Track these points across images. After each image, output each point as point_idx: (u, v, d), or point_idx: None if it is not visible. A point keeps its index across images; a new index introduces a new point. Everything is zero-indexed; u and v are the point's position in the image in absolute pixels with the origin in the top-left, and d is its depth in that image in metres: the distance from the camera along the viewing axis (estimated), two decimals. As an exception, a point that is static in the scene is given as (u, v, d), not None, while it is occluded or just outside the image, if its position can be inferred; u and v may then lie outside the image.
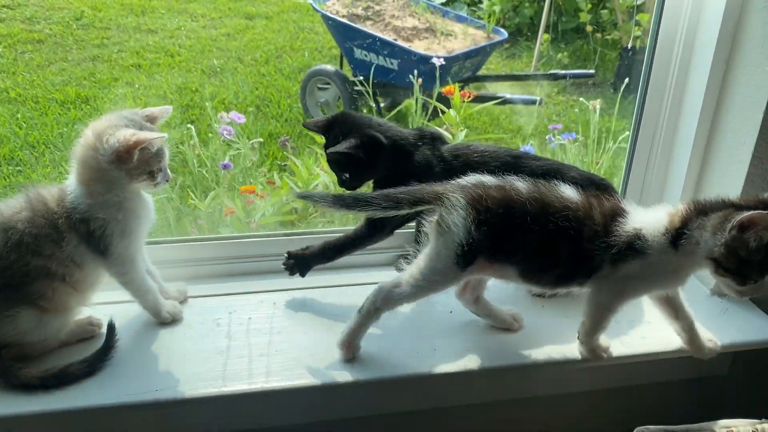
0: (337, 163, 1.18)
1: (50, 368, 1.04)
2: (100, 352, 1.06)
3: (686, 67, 1.31)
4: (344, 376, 1.06)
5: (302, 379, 1.06)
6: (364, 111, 3.78)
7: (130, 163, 1.03)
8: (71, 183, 1.06)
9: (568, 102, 4.22)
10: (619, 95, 3.17)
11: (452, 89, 2.28)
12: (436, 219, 0.99)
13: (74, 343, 1.12)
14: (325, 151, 1.18)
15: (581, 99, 3.50)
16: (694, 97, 1.30)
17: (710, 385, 1.21)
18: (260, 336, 1.16)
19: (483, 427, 1.26)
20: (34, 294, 1.02)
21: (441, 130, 1.21)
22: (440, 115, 3.44)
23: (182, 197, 2.32)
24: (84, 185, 1.05)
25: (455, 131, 2.15)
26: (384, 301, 1.04)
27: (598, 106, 2.66)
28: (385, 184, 1.07)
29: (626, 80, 3.18)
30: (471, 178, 1.02)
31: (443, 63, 3.37)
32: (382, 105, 3.52)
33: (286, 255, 1.23)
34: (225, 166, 2.21)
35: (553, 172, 1.14)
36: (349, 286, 1.28)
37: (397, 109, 3.61)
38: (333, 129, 1.19)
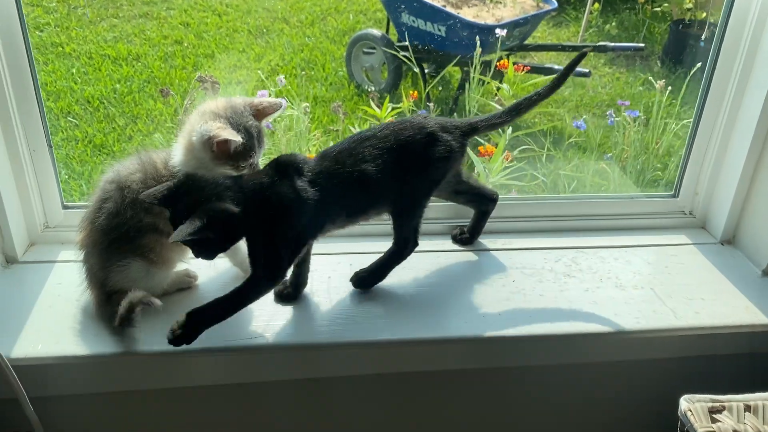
0: (192, 246, 1.06)
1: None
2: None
3: (755, 48, 1.32)
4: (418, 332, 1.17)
5: (380, 334, 1.17)
6: (409, 76, 3.81)
7: (213, 153, 1.09)
8: (176, 149, 1.15)
9: (614, 74, 4.18)
10: (688, 76, 3.12)
11: (506, 63, 2.29)
12: None
13: (173, 292, 1.23)
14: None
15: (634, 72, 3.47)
16: (760, 81, 1.33)
17: (761, 361, 1.28)
18: (340, 293, 1.26)
19: (537, 389, 1.35)
20: (144, 247, 1.12)
21: (295, 155, 1.12)
22: (486, 83, 3.46)
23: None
24: (183, 154, 1.13)
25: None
26: None
27: (665, 87, 2.64)
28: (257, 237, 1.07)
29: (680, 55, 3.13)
30: None
31: (492, 31, 3.37)
32: (426, 71, 3.54)
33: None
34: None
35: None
36: (419, 253, 1.36)
37: (440, 74, 3.62)
38: (177, 201, 1.02)
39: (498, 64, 2.32)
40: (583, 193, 2.35)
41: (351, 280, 1.27)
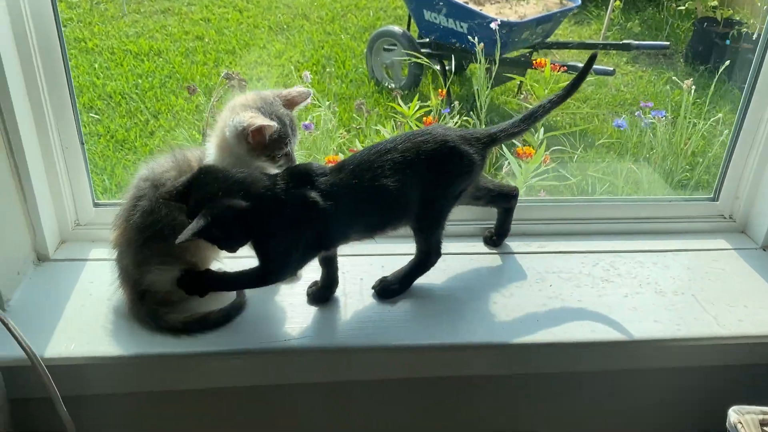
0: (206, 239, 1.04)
1: (193, 314, 1.13)
2: (235, 304, 1.16)
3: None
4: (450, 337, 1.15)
5: (415, 338, 1.14)
6: (429, 73, 3.79)
7: (249, 144, 1.07)
8: (210, 147, 1.13)
9: (637, 72, 4.13)
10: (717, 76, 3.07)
11: (543, 62, 2.26)
12: None
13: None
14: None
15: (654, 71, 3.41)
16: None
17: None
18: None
19: (574, 397, 1.32)
20: (179, 247, 1.10)
21: (311, 164, 1.10)
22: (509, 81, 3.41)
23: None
24: (218, 152, 1.11)
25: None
26: None
27: (692, 86, 2.59)
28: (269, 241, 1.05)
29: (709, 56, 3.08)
30: None
31: (514, 28, 3.34)
32: (447, 68, 3.51)
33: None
34: (306, 127, 2.26)
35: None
36: (452, 255, 1.34)
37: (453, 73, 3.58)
38: (191, 196, 1.01)
39: (535, 63, 2.28)
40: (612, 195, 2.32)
41: (374, 289, 1.25)
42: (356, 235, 1.15)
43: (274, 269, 1.09)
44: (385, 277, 1.25)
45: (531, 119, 1.19)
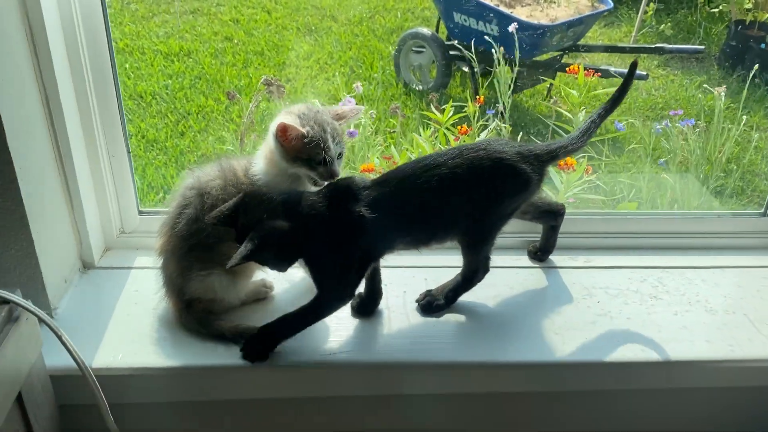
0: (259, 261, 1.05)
1: (239, 324, 1.13)
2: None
3: None
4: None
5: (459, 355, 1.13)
6: (457, 75, 3.76)
7: (282, 147, 1.07)
8: (257, 156, 1.13)
9: (668, 76, 4.06)
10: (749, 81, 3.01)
11: (576, 68, 2.23)
12: None
13: (250, 302, 1.21)
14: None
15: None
16: None
17: None
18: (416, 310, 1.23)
19: (623, 415, 1.30)
20: (223, 255, 1.08)
21: (353, 178, 1.09)
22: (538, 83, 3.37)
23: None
24: (263, 162, 1.11)
25: (576, 111, 2.12)
26: None
27: (723, 94, 2.54)
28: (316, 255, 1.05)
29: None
30: None
31: (544, 31, 3.30)
32: (475, 70, 3.48)
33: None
34: (351, 134, 2.25)
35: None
36: (496, 268, 1.32)
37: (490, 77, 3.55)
38: (238, 220, 1.02)
39: (568, 69, 2.25)
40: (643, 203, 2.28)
41: (418, 304, 1.23)
42: (401, 247, 1.14)
43: (333, 289, 1.08)
44: (429, 291, 1.24)
45: (587, 134, 1.16)
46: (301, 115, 1.09)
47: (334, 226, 1.03)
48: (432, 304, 1.22)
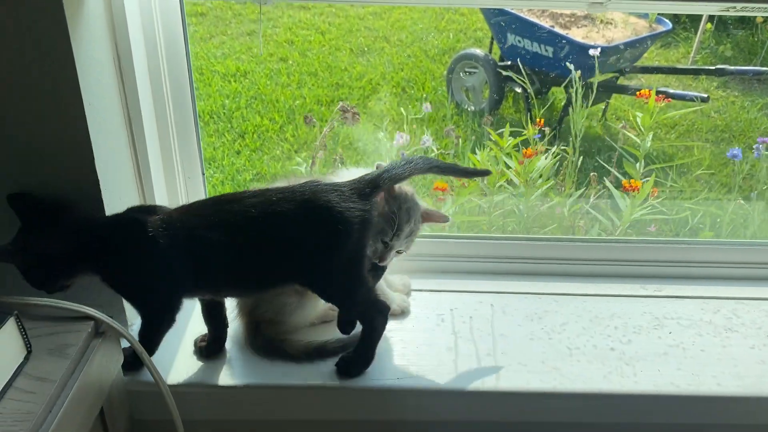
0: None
1: (311, 342, 1.14)
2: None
3: None
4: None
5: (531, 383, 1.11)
6: (509, 97, 3.74)
7: None
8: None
9: (728, 98, 3.96)
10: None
11: (647, 93, 2.19)
12: None
13: (317, 324, 1.23)
14: None
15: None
16: None
17: None
18: (483, 335, 1.22)
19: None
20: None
21: (153, 205, 1.06)
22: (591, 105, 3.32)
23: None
24: None
25: (644, 136, 2.08)
26: None
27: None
28: None
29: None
30: None
31: (600, 53, 3.26)
32: (529, 91, 3.47)
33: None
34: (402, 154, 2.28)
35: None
36: (562, 296, 1.31)
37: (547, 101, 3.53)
38: None
39: (639, 93, 2.21)
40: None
41: (337, 367, 1.12)
42: (221, 286, 1.08)
43: (140, 307, 1.05)
44: (346, 354, 1.13)
45: (413, 164, 1.04)
46: (399, 192, 1.10)
47: (112, 245, 0.99)
48: (350, 368, 1.12)
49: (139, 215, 1.00)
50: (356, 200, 0.99)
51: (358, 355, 1.11)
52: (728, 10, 1.02)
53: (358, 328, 1.10)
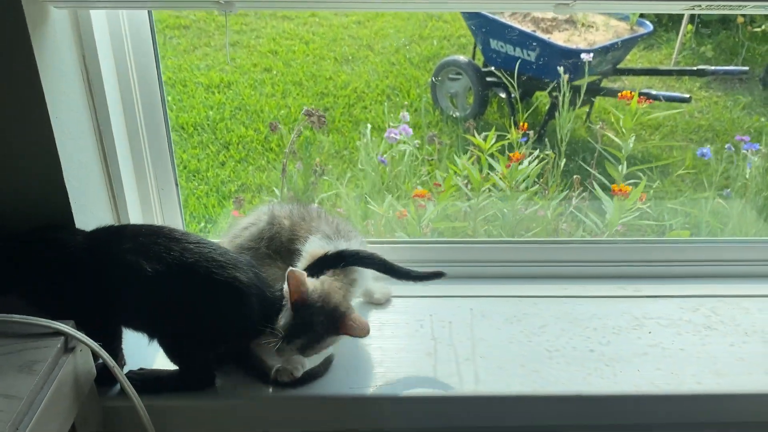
0: None
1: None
2: (327, 359, 1.12)
3: None
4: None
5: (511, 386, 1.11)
6: (494, 102, 3.76)
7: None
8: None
9: (711, 98, 3.99)
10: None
11: (629, 94, 2.20)
12: None
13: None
14: None
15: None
16: None
17: None
18: (463, 341, 1.21)
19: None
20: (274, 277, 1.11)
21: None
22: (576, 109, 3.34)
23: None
24: None
25: (625, 138, 2.08)
26: None
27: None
28: None
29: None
30: None
31: (583, 56, 3.28)
32: (513, 96, 3.48)
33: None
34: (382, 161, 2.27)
35: None
36: (541, 298, 1.30)
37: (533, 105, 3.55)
38: None
39: (620, 94, 2.22)
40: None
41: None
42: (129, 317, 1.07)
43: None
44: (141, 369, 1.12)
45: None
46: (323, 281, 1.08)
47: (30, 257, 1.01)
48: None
49: (56, 234, 1.02)
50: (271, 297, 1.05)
51: (147, 382, 1.08)
52: (694, 9, 1.02)
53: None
